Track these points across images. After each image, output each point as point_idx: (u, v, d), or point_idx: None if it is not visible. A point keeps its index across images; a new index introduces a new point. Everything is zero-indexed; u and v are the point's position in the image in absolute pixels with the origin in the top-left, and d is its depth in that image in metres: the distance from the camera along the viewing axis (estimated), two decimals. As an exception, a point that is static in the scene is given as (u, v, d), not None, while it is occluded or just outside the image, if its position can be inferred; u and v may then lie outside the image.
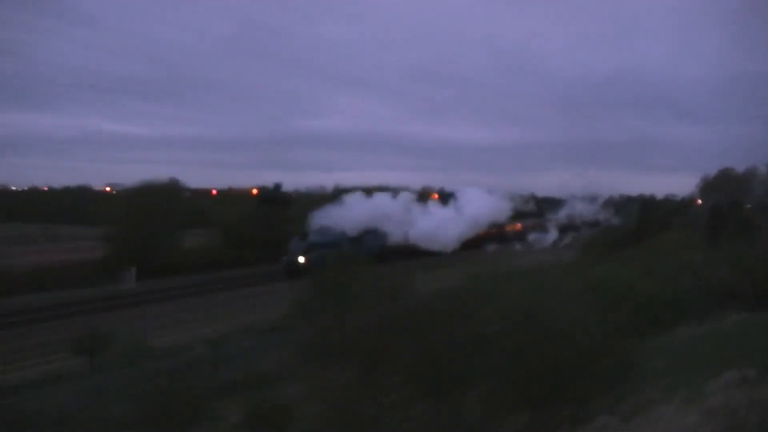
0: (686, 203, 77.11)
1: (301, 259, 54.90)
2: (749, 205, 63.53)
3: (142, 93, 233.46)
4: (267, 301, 40.83)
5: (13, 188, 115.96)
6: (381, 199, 66.73)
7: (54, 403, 19.56)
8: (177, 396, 17.60)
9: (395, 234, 64.43)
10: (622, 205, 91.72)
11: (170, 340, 29.56)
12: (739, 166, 72.14)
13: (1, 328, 34.66)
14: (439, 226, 65.58)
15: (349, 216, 61.44)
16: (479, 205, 70.32)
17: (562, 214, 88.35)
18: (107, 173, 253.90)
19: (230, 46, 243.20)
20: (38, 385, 23.19)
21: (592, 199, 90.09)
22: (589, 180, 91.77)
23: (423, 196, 73.61)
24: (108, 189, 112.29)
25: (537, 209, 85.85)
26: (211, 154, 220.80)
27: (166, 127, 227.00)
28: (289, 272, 53.79)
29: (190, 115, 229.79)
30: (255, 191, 77.28)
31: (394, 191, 71.28)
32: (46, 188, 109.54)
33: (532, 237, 77.59)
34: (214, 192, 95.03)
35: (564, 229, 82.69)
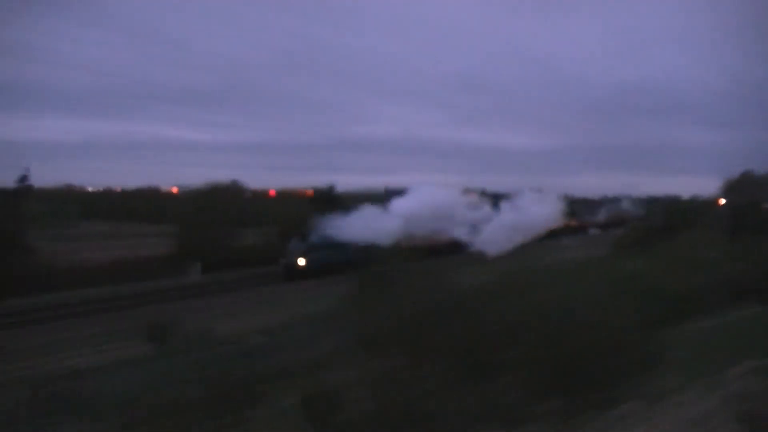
0: (710, 203, 76.64)
1: (301, 261, 52.27)
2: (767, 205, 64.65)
3: (206, 103, 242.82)
4: (321, 293, 41.61)
5: (90, 189, 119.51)
6: (431, 195, 61.03)
7: (124, 386, 20.69)
8: (237, 380, 18.98)
9: (443, 230, 60.60)
10: (649, 204, 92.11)
11: (232, 328, 30.62)
12: (760, 169, 72.22)
13: (78, 316, 37.24)
14: (495, 229, 62.00)
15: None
16: (537, 208, 67.29)
17: (603, 214, 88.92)
18: (174, 176, 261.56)
19: (287, 59, 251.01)
20: (111, 369, 24.38)
21: (627, 199, 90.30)
22: (620, 182, 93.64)
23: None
24: (175, 190, 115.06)
25: (571, 210, 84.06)
26: (270, 159, 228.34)
27: (229, 134, 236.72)
28: (288, 275, 51.60)
29: (250, 122, 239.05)
30: (310, 192, 78.82)
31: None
32: (119, 189, 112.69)
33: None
34: (273, 193, 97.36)
35: (605, 227, 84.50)
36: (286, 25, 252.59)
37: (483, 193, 76.20)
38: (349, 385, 18.62)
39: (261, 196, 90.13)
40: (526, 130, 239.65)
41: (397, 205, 57.76)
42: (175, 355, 23.52)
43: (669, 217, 67.71)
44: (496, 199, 69.75)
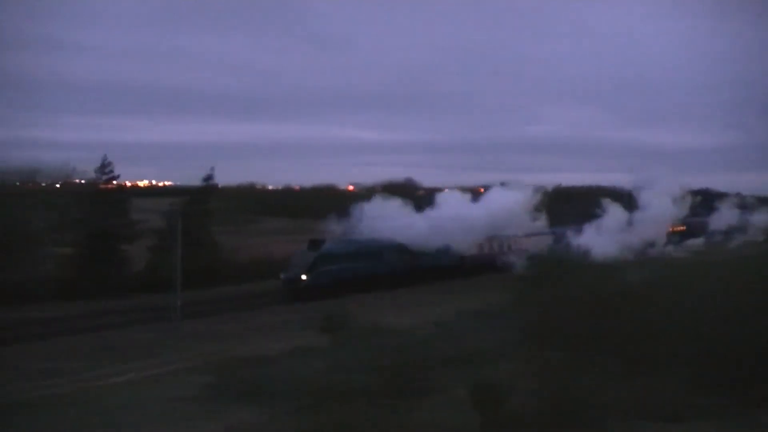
0: None
1: (304, 277, 43.11)
2: None
3: (382, 105, 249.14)
4: (494, 286, 41.61)
5: (270, 187, 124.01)
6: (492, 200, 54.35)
7: (298, 374, 21.66)
8: (407, 369, 19.71)
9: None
10: None
11: (402, 320, 31.37)
12: None
13: (256, 308, 39.94)
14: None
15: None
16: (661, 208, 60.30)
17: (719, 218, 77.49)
18: (350, 174, 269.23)
19: (460, 62, 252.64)
20: (286, 357, 25.78)
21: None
22: None
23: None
24: (351, 188, 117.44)
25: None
26: (442, 158, 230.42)
27: (404, 134, 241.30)
28: (289, 293, 43.37)
29: (425, 123, 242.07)
30: (481, 190, 78.74)
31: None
32: (298, 187, 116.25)
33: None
34: (446, 190, 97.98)
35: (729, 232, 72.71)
36: (460, 28, 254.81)
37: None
38: (515, 377, 18.97)
39: (434, 193, 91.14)
40: (693, 129, 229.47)
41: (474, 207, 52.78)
42: (347, 345, 24.40)
43: None
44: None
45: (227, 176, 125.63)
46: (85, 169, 53.16)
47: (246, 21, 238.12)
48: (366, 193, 67.86)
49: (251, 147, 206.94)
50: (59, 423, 18.17)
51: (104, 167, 51.27)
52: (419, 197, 64.19)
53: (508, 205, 53.45)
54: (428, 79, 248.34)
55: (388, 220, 47.84)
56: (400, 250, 49.00)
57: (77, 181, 53.82)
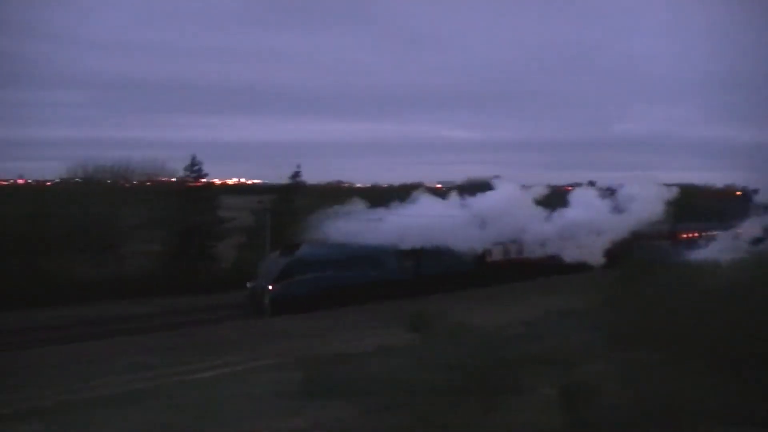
0: None
1: (271, 288, 37.90)
2: None
3: (470, 103, 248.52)
4: (585, 286, 39.87)
5: (358, 185, 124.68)
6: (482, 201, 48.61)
7: (387, 371, 21.50)
8: (494, 368, 19.01)
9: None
10: None
11: (490, 319, 30.87)
12: None
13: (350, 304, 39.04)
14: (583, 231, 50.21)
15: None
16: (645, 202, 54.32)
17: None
18: (438, 173, 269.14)
19: (548, 60, 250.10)
20: (374, 354, 25.52)
21: None
22: None
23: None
24: (439, 186, 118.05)
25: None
26: (531, 156, 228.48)
27: (491, 132, 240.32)
28: (255, 306, 38.32)
29: (512, 121, 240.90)
30: (568, 188, 76.99)
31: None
32: (385, 185, 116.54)
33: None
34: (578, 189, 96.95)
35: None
36: (550, 26, 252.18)
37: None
38: (604, 378, 18.26)
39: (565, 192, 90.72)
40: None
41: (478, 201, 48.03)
42: (435, 343, 23.98)
43: None
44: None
45: (315, 174, 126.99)
46: (174, 167, 54.08)
47: (336, 19, 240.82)
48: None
49: (339, 145, 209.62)
50: (148, 417, 18.12)
51: (193, 165, 52.01)
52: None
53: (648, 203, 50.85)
54: (518, 77, 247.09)
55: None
56: (399, 254, 43.68)
57: (167, 179, 54.73)
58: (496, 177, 54.96)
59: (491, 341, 23.82)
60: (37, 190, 62.55)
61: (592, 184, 69.65)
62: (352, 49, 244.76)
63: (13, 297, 38.76)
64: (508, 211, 47.09)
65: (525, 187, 54.73)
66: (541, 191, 53.98)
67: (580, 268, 49.56)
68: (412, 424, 16.24)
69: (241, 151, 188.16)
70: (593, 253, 50.74)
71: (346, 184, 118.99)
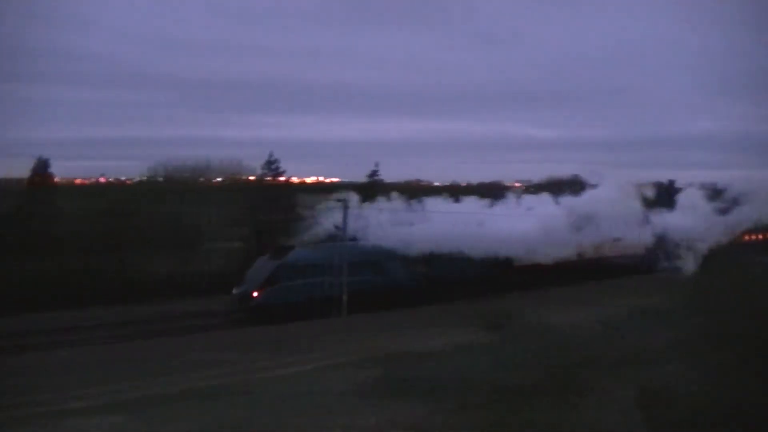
0: None
1: (256, 294, 35.79)
2: None
3: (549, 101, 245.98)
4: (655, 286, 40.00)
5: (436, 184, 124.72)
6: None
7: (462, 370, 21.25)
8: (570, 368, 19.12)
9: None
10: None
11: (567, 318, 30.59)
12: None
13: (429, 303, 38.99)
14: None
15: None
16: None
17: None
18: (518, 171, 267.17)
19: (629, 56, 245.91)
20: (449, 353, 25.19)
21: None
22: None
23: None
24: (518, 185, 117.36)
25: None
26: (610, 154, 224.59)
27: (572, 130, 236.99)
28: (242, 311, 36.61)
29: (593, 119, 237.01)
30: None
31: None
32: (464, 184, 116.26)
33: None
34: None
35: None
36: (630, 22, 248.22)
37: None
38: (683, 379, 17.98)
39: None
40: None
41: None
42: (511, 342, 23.91)
43: None
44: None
45: (393, 173, 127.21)
46: (253, 166, 54.83)
47: (414, 18, 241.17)
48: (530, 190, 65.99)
49: (418, 144, 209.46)
50: (224, 412, 18.37)
51: (271, 163, 52.58)
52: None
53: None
54: (598, 75, 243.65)
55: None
56: (406, 259, 40.24)
57: (245, 177, 55.52)
58: (593, 172, 51.57)
59: (568, 341, 23.66)
60: (118, 189, 64.22)
61: (671, 183, 67.18)
62: (432, 47, 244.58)
63: (96, 294, 39.80)
64: (613, 212, 43.87)
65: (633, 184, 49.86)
66: (647, 189, 49.81)
67: (632, 270, 46.35)
68: (488, 424, 16.04)
69: (319, 150, 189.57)
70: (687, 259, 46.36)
71: (424, 183, 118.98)
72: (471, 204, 44.54)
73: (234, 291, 36.71)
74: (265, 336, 30.31)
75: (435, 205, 43.32)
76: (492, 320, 27.98)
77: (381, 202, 43.96)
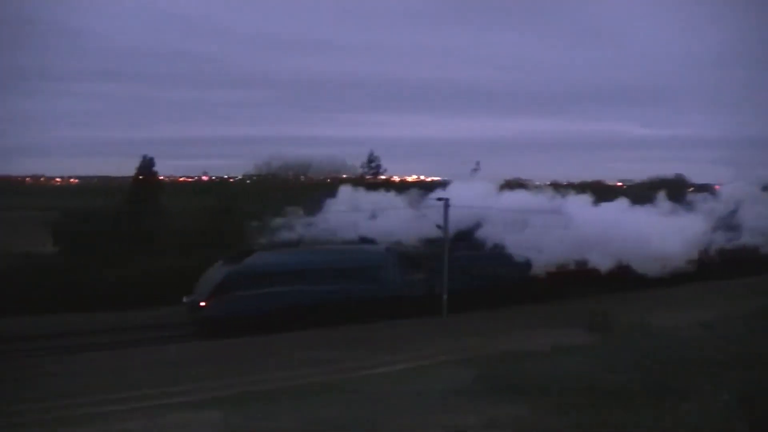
0: None
1: (203, 304, 30.98)
2: None
3: (651, 98, 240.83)
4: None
5: (536, 183, 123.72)
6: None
7: (563, 371, 21.18)
8: (672, 370, 19.02)
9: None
10: None
11: (669, 320, 30.06)
12: None
13: (524, 303, 37.89)
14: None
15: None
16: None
17: None
18: (619, 170, 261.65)
19: (733, 54, 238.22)
20: (550, 354, 25.20)
21: None
22: None
23: None
24: (619, 184, 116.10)
25: None
26: (714, 153, 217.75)
27: (674, 128, 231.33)
28: (195, 321, 31.89)
29: (695, 117, 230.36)
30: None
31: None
32: (565, 183, 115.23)
33: None
34: (717, 188, 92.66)
35: None
36: (735, 18, 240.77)
37: None
38: None
39: (706, 190, 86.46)
40: None
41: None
42: (611, 344, 23.97)
43: None
44: None
45: (493, 171, 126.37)
46: (353, 164, 55.11)
47: (513, 16, 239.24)
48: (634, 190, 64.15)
49: (518, 142, 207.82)
50: (324, 410, 18.53)
51: (370, 162, 52.72)
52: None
53: None
54: (701, 72, 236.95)
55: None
56: (399, 264, 35.22)
57: (346, 175, 55.83)
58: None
59: (668, 343, 23.41)
60: (221, 187, 65.42)
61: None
62: (531, 45, 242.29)
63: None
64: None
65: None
66: None
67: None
68: (587, 426, 16.05)
69: (421, 148, 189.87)
70: None
71: (524, 181, 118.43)
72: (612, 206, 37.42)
73: (185, 299, 31.97)
74: (369, 334, 30.40)
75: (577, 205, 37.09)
76: (592, 322, 27.72)
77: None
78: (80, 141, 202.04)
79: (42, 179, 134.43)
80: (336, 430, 16.89)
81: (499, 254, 35.25)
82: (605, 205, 37.32)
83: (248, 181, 58.10)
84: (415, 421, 17.61)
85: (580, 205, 37.04)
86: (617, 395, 17.72)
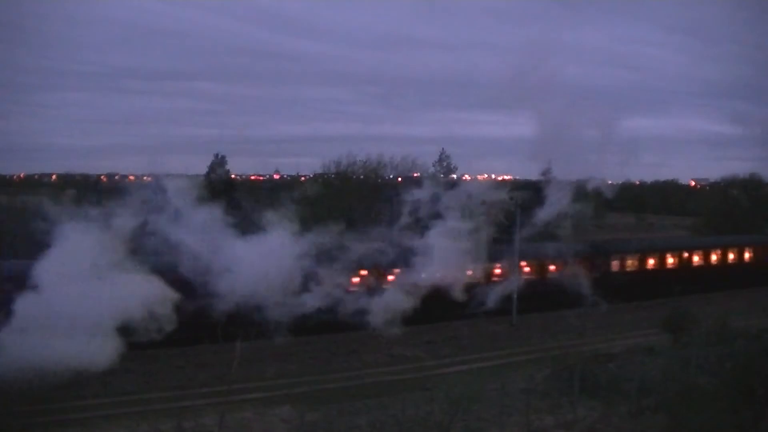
0: None
1: None
2: None
3: (734, 95, 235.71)
4: None
5: (609, 182, 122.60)
6: None
7: (641, 372, 20.85)
8: (751, 373, 18.00)
9: None
10: None
11: (750, 321, 29.77)
12: None
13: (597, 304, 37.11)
14: None
15: None
16: None
17: None
18: (694, 169, 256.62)
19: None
20: (629, 354, 24.79)
21: None
22: None
23: None
24: (693, 183, 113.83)
25: None
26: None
27: (755, 125, 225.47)
28: None
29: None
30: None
31: None
32: (637, 182, 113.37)
33: None
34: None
35: None
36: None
37: None
38: None
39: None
40: None
41: None
42: (692, 345, 23.19)
43: None
44: None
45: (567, 171, 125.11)
46: (425, 163, 54.67)
47: (607, 12, 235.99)
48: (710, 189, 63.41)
49: (591, 141, 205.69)
50: (402, 407, 18.30)
51: (442, 161, 52.31)
52: None
53: None
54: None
55: None
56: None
57: (417, 174, 55.42)
58: None
59: (750, 344, 22.95)
60: (292, 185, 65.64)
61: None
62: (615, 42, 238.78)
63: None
64: None
65: None
66: None
67: None
68: (665, 428, 16.20)
69: (496, 147, 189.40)
70: None
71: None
72: None
73: None
74: (448, 332, 30.27)
75: None
76: (673, 322, 27.27)
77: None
78: (156, 138, 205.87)
79: (116, 177, 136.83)
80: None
81: None
82: None
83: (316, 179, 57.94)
84: (493, 419, 18.00)
85: None
86: (697, 397, 17.34)
